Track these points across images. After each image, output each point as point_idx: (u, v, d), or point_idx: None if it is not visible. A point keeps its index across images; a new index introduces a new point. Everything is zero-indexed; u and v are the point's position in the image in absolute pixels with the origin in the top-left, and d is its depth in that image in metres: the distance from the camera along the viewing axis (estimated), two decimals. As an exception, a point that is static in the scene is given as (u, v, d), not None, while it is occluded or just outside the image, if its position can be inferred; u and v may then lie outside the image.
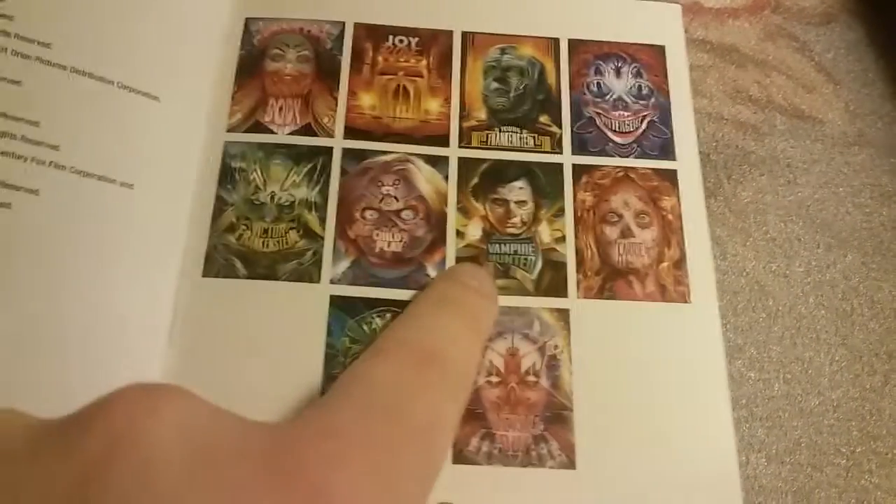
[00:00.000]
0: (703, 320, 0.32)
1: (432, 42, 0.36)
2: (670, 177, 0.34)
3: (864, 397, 0.30)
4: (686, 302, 0.32)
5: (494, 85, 0.35)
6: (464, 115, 0.35)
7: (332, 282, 0.31)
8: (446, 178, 0.33)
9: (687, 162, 0.34)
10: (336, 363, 0.30)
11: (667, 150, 0.35)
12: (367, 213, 0.32)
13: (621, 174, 0.34)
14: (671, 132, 0.35)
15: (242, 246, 0.31)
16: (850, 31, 0.36)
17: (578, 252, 0.32)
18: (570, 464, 0.29)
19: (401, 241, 0.32)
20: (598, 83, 0.36)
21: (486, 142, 0.34)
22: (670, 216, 0.33)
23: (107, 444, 0.17)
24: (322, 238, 0.32)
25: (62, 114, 0.30)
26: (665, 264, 0.32)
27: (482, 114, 0.35)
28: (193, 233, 0.31)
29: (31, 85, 0.30)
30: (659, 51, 0.36)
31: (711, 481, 0.29)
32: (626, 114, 0.35)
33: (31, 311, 0.27)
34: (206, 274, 0.31)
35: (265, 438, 0.19)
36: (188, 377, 0.29)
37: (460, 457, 0.29)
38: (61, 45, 0.31)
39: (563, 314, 0.31)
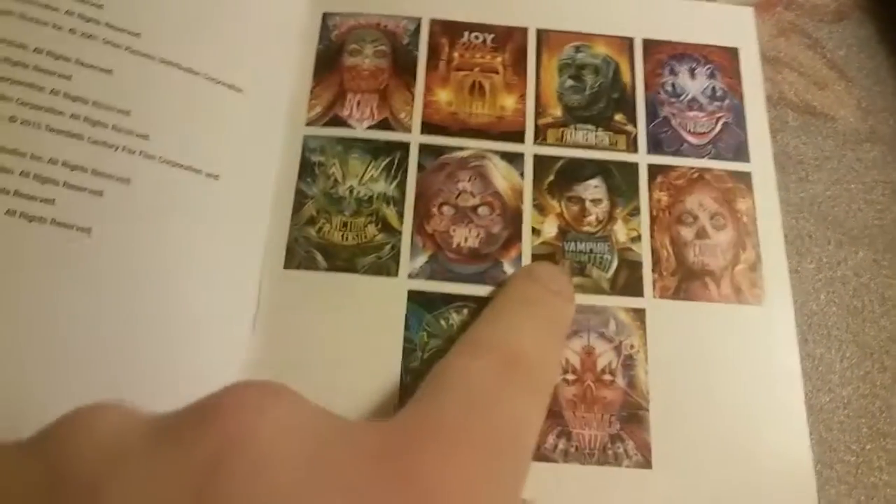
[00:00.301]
0: (777, 323, 0.32)
1: (507, 39, 0.36)
2: (745, 179, 0.34)
3: (875, 394, 0.29)
4: (759, 304, 0.32)
5: (569, 82, 0.35)
6: (539, 112, 0.35)
7: (410, 276, 0.31)
8: (522, 174, 0.33)
9: (761, 164, 0.34)
10: (414, 357, 0.30)
11: (741, 153, 0.35)
12: (444, 209, 0.33)
13: (696, 175, 0.34)
14: (745, 134, 0.35)
15: (322, 239, 0.32)
16: (862, 28, 0.36)
17: (654, 252, 0.32)
18: (647, 463, 0.29)
19: (477, 236, 0.32)
20: (673, 83, 0.36)
21: (562, 139, 0.34)
22: (745, 218, 0.33)
23: (219, 444, 0.18)
24: (400, 232, 0.32)
25: (151, 103, 0.30)
26: (741, 266, 0.32)
27: (557, 111, 0.35)
28: (275, 225, 0.32)
29: (122, 74, 0.30)
30: (732, 53, 0.36)
31: (786, 483, 0.29)
32: (700, 115, 0.35)
33: (119, 298, 0.28)
34: (287, 266, 0.31)
35: (375, 438, 0.19)
36: (270, 367, 0.30)
37: (537, 454, 0.29)
38: (150, 35, 0.31)
39: (640, 314, 0.31)
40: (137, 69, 0.31)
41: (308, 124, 0.34)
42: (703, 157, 0.34)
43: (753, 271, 0.32)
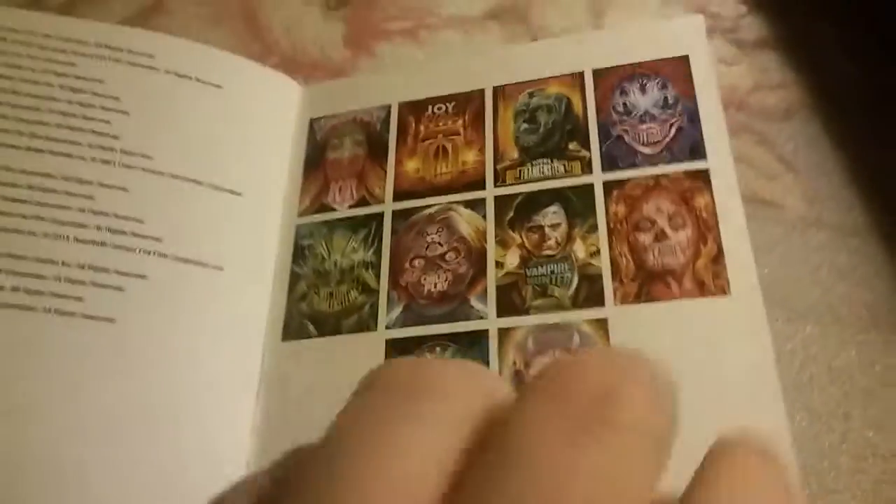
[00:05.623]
0: (746, 311, 0.31)
1: (467, 103, 0.39)
2: (702, 176, 0.34)
3: (823, 454, 0.31)
4: (726, 294, 0.32)
5: (524, 126, 0.38)
6: (498, 158, 0.37)
7: (387, 327, 0.35)
8: (484, 216, 0.36)
9: (719, 159, 0.35)
10: (393, 398, 0.33)
11: (697, 151, 0.35)
12: (416, 262, 0.36)
13: (652, 183, 0.35)
14: (700, 133, 0.35)
15: (312, 310, 0.36)
16: (809, 125, 0.38)
17: (613, 262, 0.34)
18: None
19: (446, 280, 0.35)
20: (624, 103, 0.37)
21: (520, 177, 0.37)
22: (704, 213, 0.34)
23: None
24: (377, 291, 0.36)
25: (163, 211, 0.36)
26: (702, 261, 0.33)
27: (514, 153, 0.37)
28: (273, 304, 0.36)
29: (136, 190, 0.37)
30: (683, 60, 0.37)
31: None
32: (653, 125, 0.36)
33: (140, 376, 0.33)
34: (284, 338, 0.36)
35: None
36: (273, 431, 0.33)
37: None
38: (161, 156, 0.38)
39: (602, 323, 0.32)
40: (150, 185, 0.37)
41: (300, 215, 0.39)
42: (657, 164, 0.35)
43: (717, 263, 0.32)
